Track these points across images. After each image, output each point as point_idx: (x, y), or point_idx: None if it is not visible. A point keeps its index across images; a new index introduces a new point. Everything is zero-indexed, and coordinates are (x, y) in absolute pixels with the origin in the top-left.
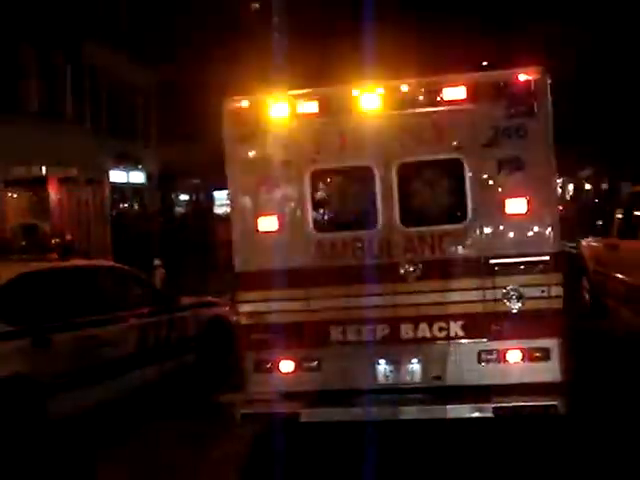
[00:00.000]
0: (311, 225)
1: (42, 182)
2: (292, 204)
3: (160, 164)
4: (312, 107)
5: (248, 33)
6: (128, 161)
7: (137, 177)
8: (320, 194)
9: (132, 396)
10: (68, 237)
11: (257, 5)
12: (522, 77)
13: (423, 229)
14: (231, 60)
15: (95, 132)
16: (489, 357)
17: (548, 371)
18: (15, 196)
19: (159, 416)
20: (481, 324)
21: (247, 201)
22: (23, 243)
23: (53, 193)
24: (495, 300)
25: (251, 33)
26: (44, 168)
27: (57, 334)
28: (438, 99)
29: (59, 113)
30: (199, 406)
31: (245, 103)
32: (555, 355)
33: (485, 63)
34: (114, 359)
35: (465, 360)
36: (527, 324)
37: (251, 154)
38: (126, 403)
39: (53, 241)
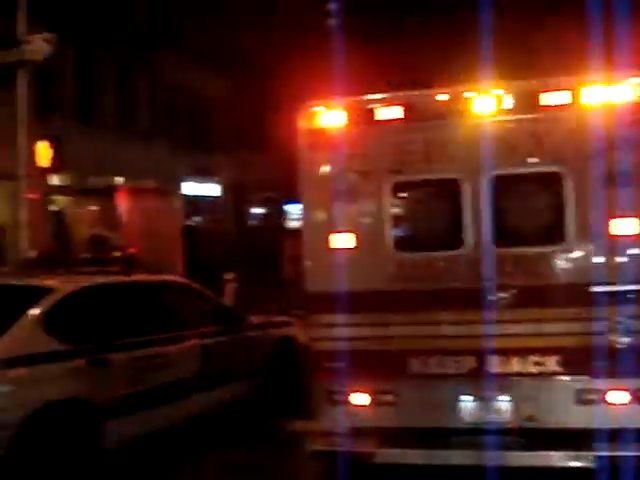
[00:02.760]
0: (391, 243)
1: (112, 193)
2: (370, 219)
3: (235, 176)
4: (394, 113)
5: (326, 44)
6: (203, 173)
7: (212, 189)
8: (401, 209)
9: (193, 422)
10: (131, 250)
11: (334, 21)
12: (634, 80)
13: (516, 250)
14: (310, 71)
15: (171, 144)
16: (590, 397)
17: None
18: (87, 207)
19: (221, 444)
20: (581, 360)
21: (321, 215)
22: (86, 255)
23: (123, 204)
24: (598, 333)
25: (329, 43)
26: (120, 179)
27: (115, 354)
28: (537, 105)
29: (135, 125)
30: (265, 434)
31: (321, 108)
32: None
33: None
34: (175, 382)
35: (562, 400)
36: (636, 361)
37: (326, 164)
38: (186, 429)
39: (115, 254)
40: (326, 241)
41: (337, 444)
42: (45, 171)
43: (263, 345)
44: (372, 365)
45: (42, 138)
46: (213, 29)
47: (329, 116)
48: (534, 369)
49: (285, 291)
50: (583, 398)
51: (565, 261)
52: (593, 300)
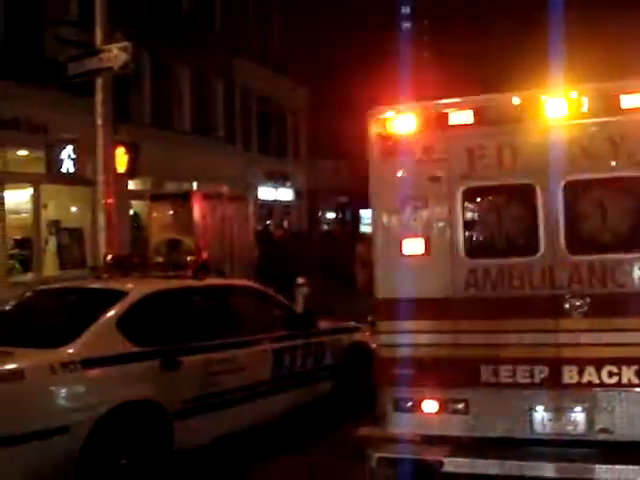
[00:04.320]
0: (462, 250)
1: (187, 198)
2: (441, 225)
3: (308, 182)
4: (466, 117)
5: (397, 50)
6: (277, 178)
7: (285, 194)
8: (473, 215)
9: (263, 425)
10: (204, 255)
11: (408, 25)
12: None
13: (593, 258)
14: (381, 76)
15: (245, 150)
16: None
17: None
18: (163, 212)
19: (287, 448)
20: None
21: (391, 221)
22: (160, 259)
23: (197, 209)
24: None
25: (404, 48)
26: (195, 184)
27: (187, 356)
28: (615, 108)
29: (211, 131)
30: (333, 439)
31: (391, 114)
32: None
33: None
34: (245, 385)
35: (638, 412)
36: None
37: (397, 169)
38: (255, 432)
39: (188, 258)
40: (396, 247)
41: (404, 451)
42: (122, 176)
43: (333, 350)
44: (442, 373)
45: (119, 144)
46: (289, 36)
47: (400, 121)
48: (609, 380)
49: (357, 297)
50: None
51: None
52: None
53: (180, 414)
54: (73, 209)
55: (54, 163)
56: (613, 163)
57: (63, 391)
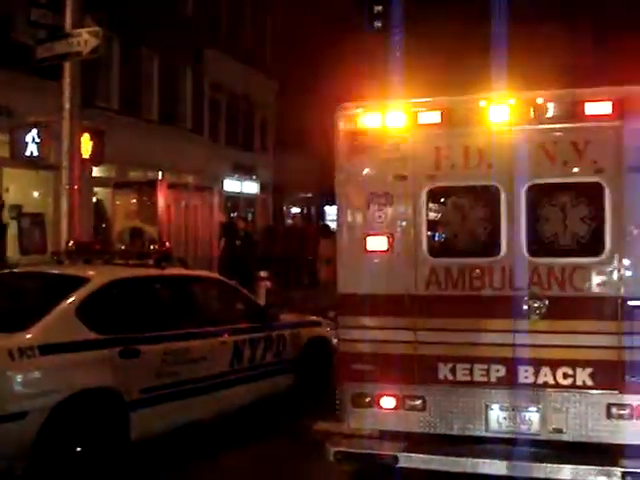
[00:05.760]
0: (425, 248)
1: (152, 187)
2: (405, 224)
3: (274, 176)
4: (433, 118)
5: (369, 48)
6: (243, 171)
7: (251, 187)
8: (437, 214)
9: (221, 417)
10: (167, 244)
11: (379, 24)
12: None
13: (552, 260)
14: (351, 75)
15: (212, 141)
16: (620, 412)
17: None
18: (127, 200)
19: (245, 440)
20: (613, 374)
21: (355, 217)
22: (122, 247)
23: (162, 198)
24: (632, 347)
25: (372, 49)
26: (160, 173)
27: (146, 345)
28: (578, 114)
29: (178, 120)
30: (291, 433)
31: (359, 111)
32: None
33: None
34: (204, 376)
35: (592, 413)
36: None
37: (363, 166)
38: (213, 424)
39: (151, 247)
40: (360, 244)
41: (361, 446)
42: (87, 162)
43: (294, 344)
44: (401, 369)
45: (85, 130)
46: (261, 30)
47: (367, 118)
48: (564, 381)
49: (319, 292)
50: (613, 413)
51: (601, 273)
52: (628, 314)
53: (138, 403)
54: (35, 194)
55: (18, 146)
56: (576, 169)
57: (20, 377)
